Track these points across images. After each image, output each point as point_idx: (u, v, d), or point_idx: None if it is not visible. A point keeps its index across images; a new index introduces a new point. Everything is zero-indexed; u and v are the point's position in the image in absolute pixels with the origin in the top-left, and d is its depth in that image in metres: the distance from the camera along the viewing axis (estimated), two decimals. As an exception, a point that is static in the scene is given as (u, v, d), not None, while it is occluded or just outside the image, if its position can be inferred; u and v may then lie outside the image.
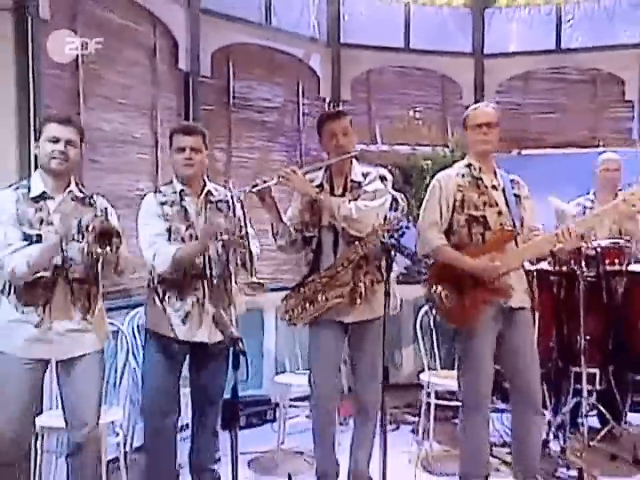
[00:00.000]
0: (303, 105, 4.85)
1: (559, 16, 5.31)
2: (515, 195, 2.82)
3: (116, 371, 3.05)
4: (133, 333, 3.27)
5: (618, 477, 3.17)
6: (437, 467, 3.33)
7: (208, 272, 2.67)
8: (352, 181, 2.79)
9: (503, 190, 2.80)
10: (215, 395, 2.84)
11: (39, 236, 2.31)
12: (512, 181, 2.86)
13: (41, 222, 2.33)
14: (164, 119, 3.87)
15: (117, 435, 2.91)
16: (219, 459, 2.87)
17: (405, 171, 4.73)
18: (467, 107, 5.24)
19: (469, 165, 2.83)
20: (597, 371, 3.44)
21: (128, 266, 2.51)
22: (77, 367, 2.41)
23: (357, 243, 2.69)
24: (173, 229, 2.66)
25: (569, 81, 5.36)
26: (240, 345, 1.73)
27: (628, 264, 3.48)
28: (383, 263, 2.69)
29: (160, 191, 2.76)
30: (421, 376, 3.66)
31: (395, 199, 2.92)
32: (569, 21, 5.30)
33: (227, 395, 2.44)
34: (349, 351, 2.94)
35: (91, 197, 2.51)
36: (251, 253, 2.57)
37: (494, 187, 2.79)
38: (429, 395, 3.54)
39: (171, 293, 2.67)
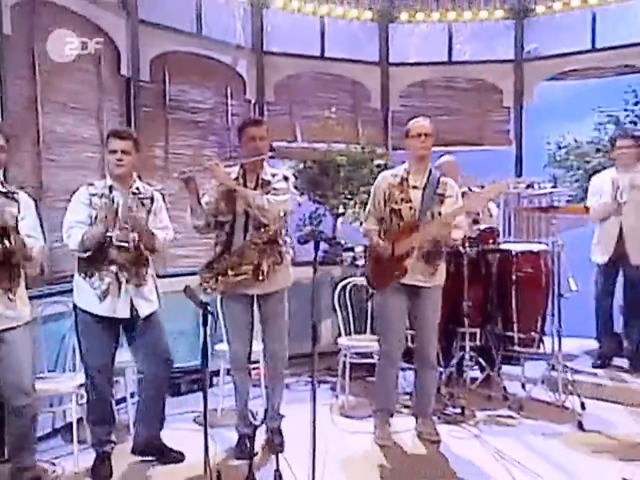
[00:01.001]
0: (232, 106, 5.24)
1: (450, 33, 6.03)
2: (438, 194, 3.39)
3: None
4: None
5: (491, 411, 4.00)
6: (352, 412, 4.04)
7: (123, 256, 3.03)
8: (262, 179, 3.28)
9: (424, 189, 3.40)
10: (152, 364, 3.17)
11: None
12: (439, 181, 3.43)
13: None
14: (108, 120, 4.24)
15: (82, 397, 3.28)
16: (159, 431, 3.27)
17: (322, 166, 5.24)
18: (374, 109, 6.02)
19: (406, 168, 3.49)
20: (477, 330, 4.28)
21: (39, 255, 2.84)
22: (4, 340, 2.74)
23: (263, 229, 3.21)
24: (98, 216, 3.01)
25: (459, 88, 6.08)
26: (208, 308, 2.29)
27: (499, 243, 4.37)
28: (284, 248, 3.30)
29: (93, 184, 3.12)
30: (339, 340, 4.35)
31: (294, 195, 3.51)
32: (458, 37, 6.02)
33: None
34: (259, 319, 3.42)
35: (15, 192, 2.84)
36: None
37: (415, 187, 3.42)
38: (345, 355, 4.25)
39: (91, 272, 3.02)
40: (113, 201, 3.06)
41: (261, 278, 3.20)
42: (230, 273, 3.20)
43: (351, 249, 5.21)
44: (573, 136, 5.48)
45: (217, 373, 4.44)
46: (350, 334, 4.42)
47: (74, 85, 3.98)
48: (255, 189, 3.25)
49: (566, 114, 5.72)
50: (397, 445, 3.51)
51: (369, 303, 4.32)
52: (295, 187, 3.41)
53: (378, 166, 5.47)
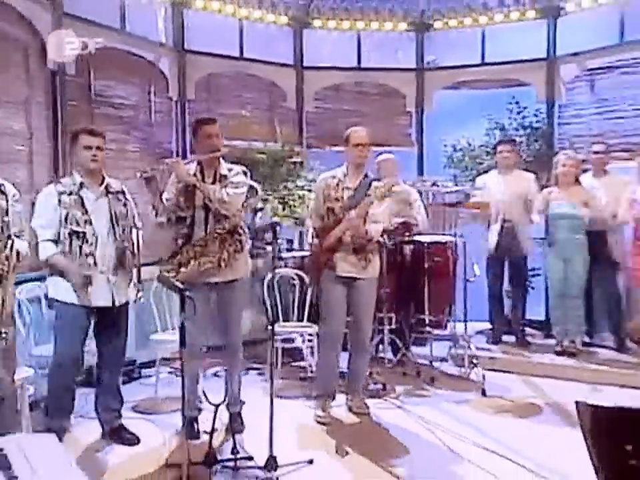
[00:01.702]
0: (154, 103, 5.29)
1: (359, 41, 6.44)
2: (368, 195, 3.64)
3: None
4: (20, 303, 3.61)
5: (406, 386, 4.46)
6: (284, 393, 4.32)
7: (106, 250, 3.16)
8: (220, 174, 3.45)
9: (355, 190, 3.73)
10: (113, 354, 3.33)
11: None
12: (370, 184, 3.70)
13: None
14: (36, 113, 4.18)
15: (28, 389, 3.32)
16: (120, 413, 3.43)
17: (243, 163, 5.45)
18: (290, 109, 6.29)
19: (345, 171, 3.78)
20: (393, 315, 4.73)
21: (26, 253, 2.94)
22: None
23: (224, 220, 3.38)
24: (69, 215, 3.07)
25: (367, 93, 6.51)
26: (186, 293, 2.48)
27: (413, 235, 4.86)
28: (244, 238, 3.48)
29: (60, 182, 3.16)
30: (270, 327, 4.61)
31: (254, 188, 3.76)
32: (366, 45, 6.42)
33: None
34: (217, 307, 3.54)
35: (1, 184, 2.85)
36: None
37: (347, 188, 3.75)
38: (276, 341, 4.52)
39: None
40: (82, 199, 3.10)
41: (222, 265, 3.34)
42: (192, 263, 3.33)
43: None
44: (466, 140, 6.09)
45: (147, 364, 4.58)
46: (278, 322, 4.69)
47: (2, 77, 3.90)
48: (213, 183, 3.39)
49: (460, 120, 6.32)
50: (335, 419, 3.84)
51: (295, 294, 4.67)
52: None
53: (294, 163, 5.80)
